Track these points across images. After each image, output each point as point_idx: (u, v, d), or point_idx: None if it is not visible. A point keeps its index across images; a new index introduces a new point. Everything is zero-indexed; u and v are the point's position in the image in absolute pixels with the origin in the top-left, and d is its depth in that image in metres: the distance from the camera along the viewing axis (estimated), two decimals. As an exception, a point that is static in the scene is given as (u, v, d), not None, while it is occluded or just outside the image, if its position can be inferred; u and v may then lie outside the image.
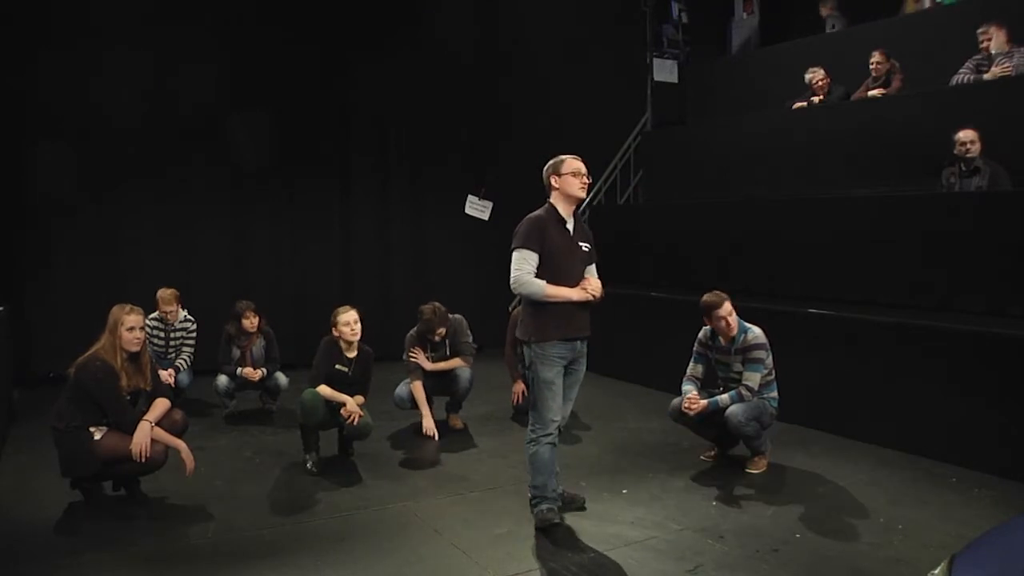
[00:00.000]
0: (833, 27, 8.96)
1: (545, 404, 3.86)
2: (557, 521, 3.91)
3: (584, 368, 4.05)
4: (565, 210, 3.93)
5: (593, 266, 4.03)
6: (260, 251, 8.16)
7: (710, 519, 4.05)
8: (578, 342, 3.93)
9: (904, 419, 5.13)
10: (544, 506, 3.90)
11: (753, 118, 8.27)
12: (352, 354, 5.01)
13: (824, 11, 9.01)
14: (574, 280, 3.87)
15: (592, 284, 3.88)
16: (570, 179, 3.90)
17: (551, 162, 3.98)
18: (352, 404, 4.78)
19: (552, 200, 3.95)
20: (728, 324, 4.74)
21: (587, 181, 3.96)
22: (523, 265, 3.78)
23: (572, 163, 3.93)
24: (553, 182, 3.94)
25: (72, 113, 7.24)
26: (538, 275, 3.78)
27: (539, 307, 3.83)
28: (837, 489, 4.48)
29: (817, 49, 8.38)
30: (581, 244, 3.97)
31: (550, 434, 3.88)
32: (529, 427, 3.94)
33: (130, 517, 4.13)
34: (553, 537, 3.81)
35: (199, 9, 7.70)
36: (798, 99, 7.83)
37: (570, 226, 3.94)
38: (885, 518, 4.02)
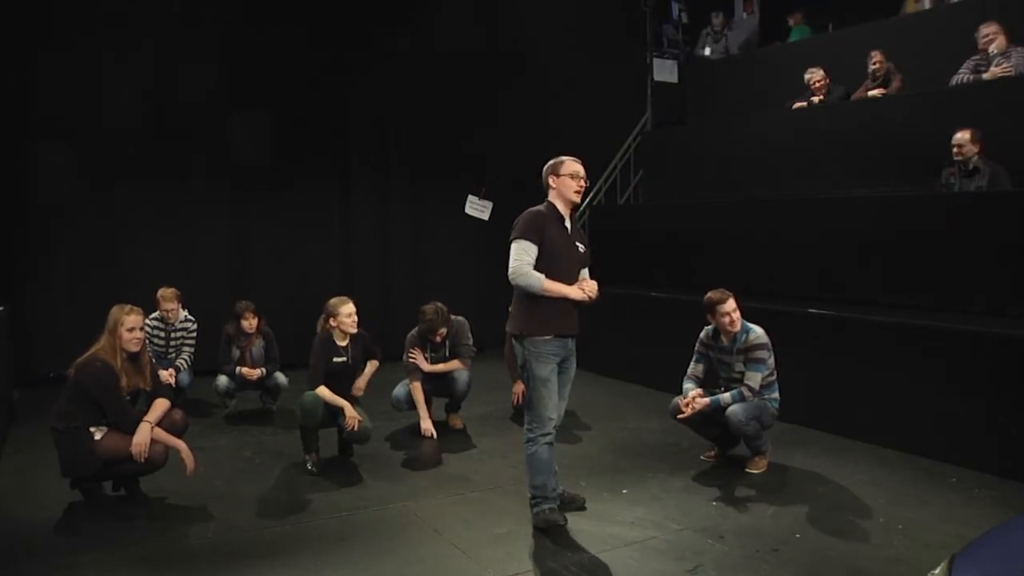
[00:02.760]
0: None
1: (542, 402, 3.85)
2: (559, 522, 3.90)
3: (575, 367, 4.06)
4: (563, 209, 3.94)
5: (586, 269, 4.04)
6: (260, 251, 8.16)
7: (710, 519, 4.04)
8: (569, 340, 3.95)
9: (904, 419, 5.13)
10: (544, 506, 3.90)
11: (753, 118, 8.27)
12: (345, 343, 5.01)
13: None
14: (570, 279, 3.87)
15: (589, 285, 3.90)
16: (567, 180, 3.91)
17: (551, 162, 4.00)
18: (351, 410, 4.78)
19: (550, 199, 3.96)
20: (732, 321, 4.73)
21: (583, 185, 3.95)
22: (523, 256, 3.77)
23: (571, 165, 3.94)
24: (551, 182, 3.96)
25: (72, 113, 7.23)
26: (535, 269, 3.78)
27: (533, 301, 3.83)
28: (837, 489, 4.48)
29: (817, 49, 8.37)
30: (578, 244, 3.98)
31: (548, 433, 3.88)
32: (526, 427, 3.94)
33: (130, 517, 4.13)
34: (553, 537, 3.81)
35: (199, 9, 7.70)
36: (798, 99, 7.83)
37: (568, 225, 3.95)
38: (885, 518, 4.02)
